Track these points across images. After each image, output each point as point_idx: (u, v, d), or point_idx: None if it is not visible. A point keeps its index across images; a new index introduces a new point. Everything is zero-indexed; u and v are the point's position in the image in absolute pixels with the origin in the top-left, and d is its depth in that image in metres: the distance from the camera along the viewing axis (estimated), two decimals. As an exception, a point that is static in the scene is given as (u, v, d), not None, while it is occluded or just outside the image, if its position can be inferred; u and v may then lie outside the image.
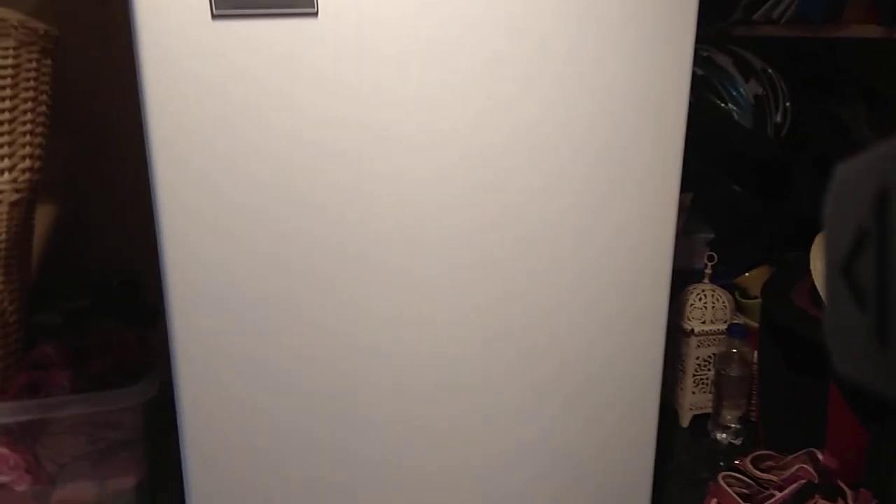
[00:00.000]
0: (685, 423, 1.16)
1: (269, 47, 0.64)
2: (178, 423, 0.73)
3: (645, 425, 0.85)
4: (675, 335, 1.13)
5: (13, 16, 0.81)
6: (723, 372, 1.10)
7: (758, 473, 0.93)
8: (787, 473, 0.91)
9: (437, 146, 0.70)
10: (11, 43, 0.82)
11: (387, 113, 0.68)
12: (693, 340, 1.12)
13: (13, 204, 0.85)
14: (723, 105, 1.18)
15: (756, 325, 1.09)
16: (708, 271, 1.14)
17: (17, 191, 0.86)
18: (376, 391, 0.76)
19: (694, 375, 1.14)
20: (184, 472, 0.74)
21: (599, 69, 0.72)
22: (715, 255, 1.15)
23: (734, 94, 1.19)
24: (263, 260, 0.69)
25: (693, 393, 1.15)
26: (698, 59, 1.15)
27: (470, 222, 0.73)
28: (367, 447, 0.77)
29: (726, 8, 1.21)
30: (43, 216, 1.19)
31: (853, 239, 0.23)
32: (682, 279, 0.80)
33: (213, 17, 0.62)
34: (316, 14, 0.64)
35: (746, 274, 1.19)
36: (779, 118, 1.20)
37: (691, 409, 1.16)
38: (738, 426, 1.11)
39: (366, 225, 0.70)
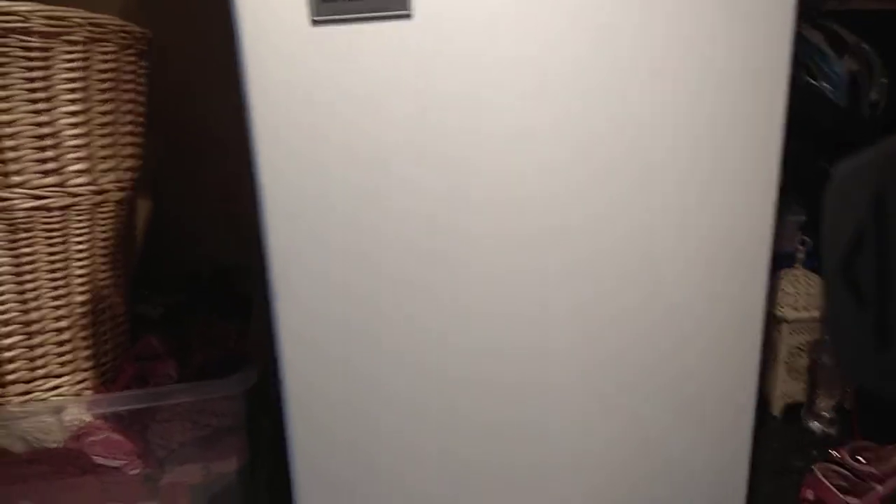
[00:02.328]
0: (777, 411, 1.13)
1: (366, 50, 0.65)
2: (284, 415, 0.76)
3: (741, 416, 0.83)
4: (767, 322, 1.10)
5: (111, 20, 0.84)
6: (817, 360, 1.07)
7: (856, 465, 0.90)
8: (887, 466, 0.89)
9: (533, 144, 0.70)
10: (111, 47, 0.85)
11: (482, 112, 0.68)
12: (785, 328, 1.09)
13: (118, 202, 0.90)
14: (815, 83, 1.14)
15: (852, 311, 1.05)
16: (800, 255, 1.11)
17: (120, 189, 0.90)
18: (470, 389, 0.77)
19: (786, 363, 1.11)
20: (290, 462, 0.77)
21: (696, 52, 0.70)
22: (808, 239, 1.11)
23: (827, 71, 1.14)
24: (361, 260, 0.71)
25: (785, 381, 1.12)
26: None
27: (568, 219, 0.73)
28: (459, 444, 0.78)
29: (818, -20, 1.16)
30: (141, 211, 1.24)
31: (852, 239, 0.23)
32: (773, 264, 0.78)
33: (313, 23, 0.63)
34: (409, 16, 0.64)
35: (841, 258, 1.15)
36: (874, 96, 1.15)
37: (783, 397, 1.13)
38: (832, 415, 1.08)
39: (463, 226, 0.71)
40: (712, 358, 0.81)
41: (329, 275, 0.71)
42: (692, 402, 0.82)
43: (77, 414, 0.82)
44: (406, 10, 0.65)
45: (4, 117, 0.77)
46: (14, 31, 0.75)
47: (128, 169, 0.91)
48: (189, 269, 1.25)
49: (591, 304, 0.76)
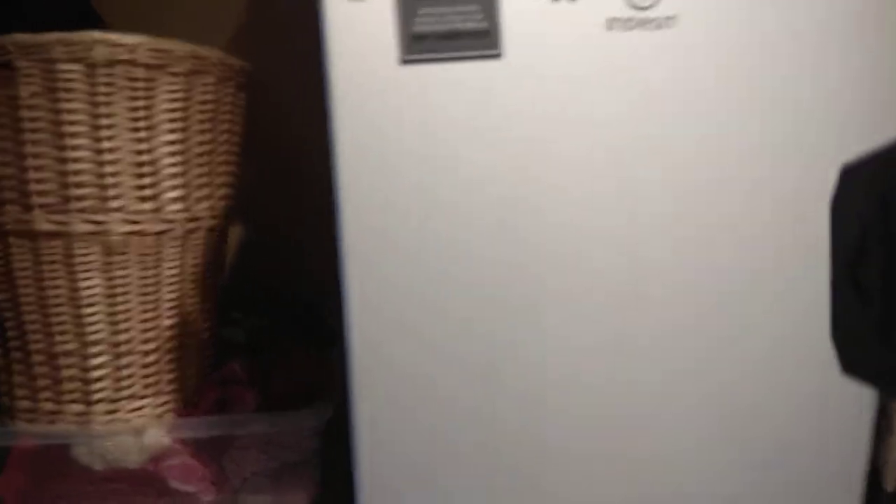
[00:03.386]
0: (890, 486, 1.03)
1: (455, 89, 0.64)
2: (354, 445, 0.74)
3: (850, 490, 0.76)
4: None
5: (213, 53, 0.86)
6: (937, 432, 0.97)
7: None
8: None
9: (623, 201, 0.67)
10: (211, 79, 0.88)
11: (573, 152, 0.66)
12: (900, 394, 1.00)
13: (209, 230, 0.91)
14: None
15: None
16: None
17: (213, 217, 0.92)
18: (561, 420, 0.73)
19: (900, 433, 1.01)
20: (357, 494, 0.75)
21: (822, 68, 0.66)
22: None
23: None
24: (437, 306, 0.69)
25: (899, 452, 1.02)
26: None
27: (659, 283, 0.69)
28: (548, 475, 0.75)
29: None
30: (233, 235, 1.28)
31: (858, 239, 0.23)
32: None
33: (402, 62, 0.62)
34: (499, 56, 0.63)
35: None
36: None
37: (896, 470, 1.03)
38: (953, 495, 0.98)
39: (555, 256, 0.69)
40: (820, 427, 0.74)
41: (404, 318, 0.69)
42: (797, 474, 0.75)
43: (157, 436, 0.84)
44: (496, 49, 0.63)
45: (107, 144, 0.80)
46: (121, 62, 0.78)
47: (221, 198, 0.93)
48: (278, 296, 1.27)
49: (691, 371, 0.71)
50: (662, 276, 0.69)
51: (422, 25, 0.62)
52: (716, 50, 0.65)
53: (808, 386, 0.73)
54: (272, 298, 1.24)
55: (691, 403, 0.73)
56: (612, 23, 0.64)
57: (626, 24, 0.64)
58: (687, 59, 0.65)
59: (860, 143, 0.67)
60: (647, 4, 0.64)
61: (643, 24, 0.64)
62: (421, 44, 0.63)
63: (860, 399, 0.74)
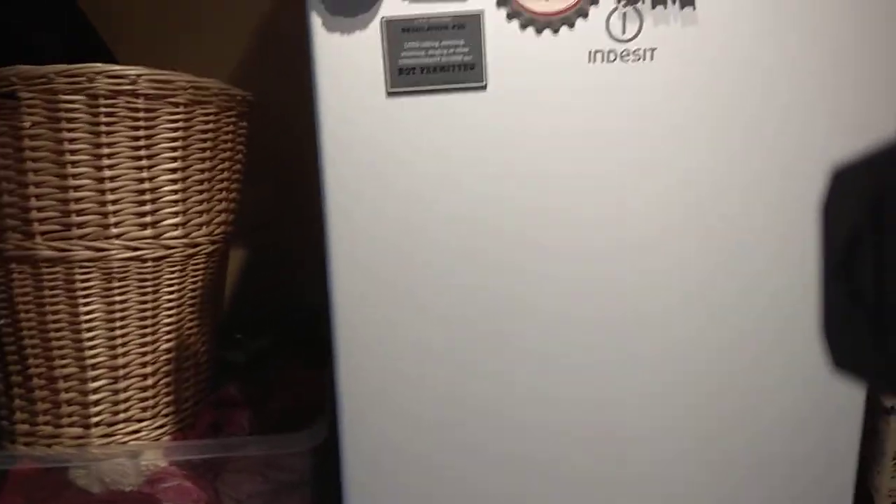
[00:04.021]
0: (884, 511, 1.03)
1: (440, 120, 0.66)
2: (341, 467, 0.75)
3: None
4: (874, 411, 1.01)
5: (214, 84, 0.89)
6: (931, 458, 0.97)
7: (975, 583, 0.80)
8: None
9: (609, 227, 0.69)
10: (212, 109, 0.90)
11: (557, 183, 0.68)
12: (894, 419, 1.00)
13: (209, 255, 0.93)
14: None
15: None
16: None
17: (212, 242, 0.94)
18: (547, 439, 0.74)
19: (895, 459, 1.01)
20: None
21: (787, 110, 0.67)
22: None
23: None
24: (432, 319, 0.70)
25: (893, 477, 1.02)
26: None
27: (650, 303, 0.70)
28: (537, 496, 0.75)
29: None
30: (234, 257, 1.30)
31: (849, 240, 0.23)
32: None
33: (388, 94, 0.64)
34: (485, 87, 0.65)
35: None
36: None
37: (890, 495, 1.03)
38: (950, 521, 0.97)
39: (536, 304, 0.70)
40: (806, 447, 0.75)
41: (395, 329, 0.71)
42: (784, 492, 0.76)
43: (153, 459, 0.85)
44: (481, 81, 0.65)
45: (108, 173, 0.82)
46: (123, 92, 0.81)
47: (221, 223, 0.95)
48: (280, 316, 1.28)
49: (681, 383, 0.72)
50: (644, 298, 0.70)
51: (408, 59, 0.64)
52: (695, 81, 0.66)
53: (794, 408, 0.74)
54: (274, 319, 1.26)
55: (678, 415, 0.73)
56: (595, 55, 0.66)
57: (608, 56, 0.66)
58: (666, 90, 0.66)
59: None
60: (627, 37, 0.66)
61: (624, 56, 0.66)
62: (408, 76, 0.65)
63: (848, 420, 0.75)
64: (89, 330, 0.84)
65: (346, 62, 0.65)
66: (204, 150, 0.90)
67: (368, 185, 0.67)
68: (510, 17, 0.65)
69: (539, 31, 0.65)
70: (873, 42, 0.66)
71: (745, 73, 0.66)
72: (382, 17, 0.64)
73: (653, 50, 0.66)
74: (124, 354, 0.86)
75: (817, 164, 0.68)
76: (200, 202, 0.91)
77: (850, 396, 0.74)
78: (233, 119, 0.95)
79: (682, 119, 0.67)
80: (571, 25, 0.65)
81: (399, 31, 0.64)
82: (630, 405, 0.73)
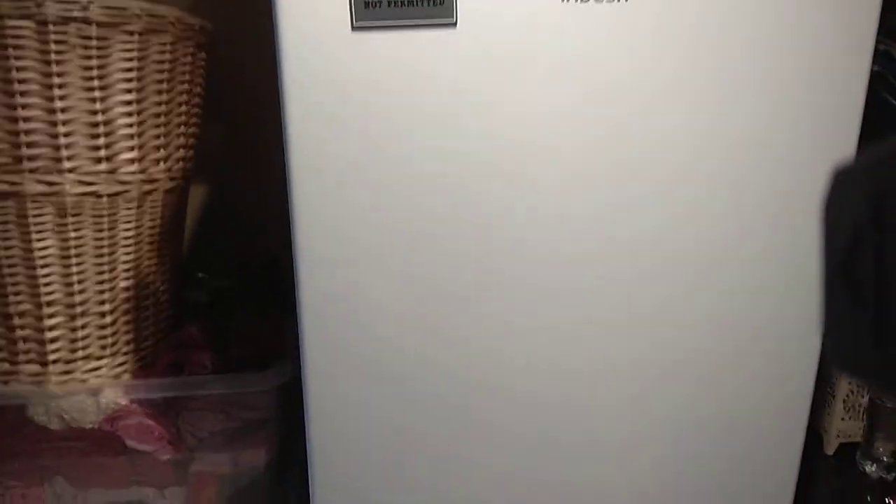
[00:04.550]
0: (830, 450, 1.07)
1: (407, 57, 0.63)
2: (305, 413, 0.75)
3: (789, 453, 0.79)
4: (826, 357, 1.04)
5: (170, 12, 0.85)
6: (878, 401, 1.00)
7: (913, 518, 0.84)
8: (946, 522, 0.82)
9: (579, 157, 0.67)
10: (168, 38, 0.86)
11: (527, 123, 0.66)
12: (845, 363, 1.02)
13: (167, 191, 0.91)
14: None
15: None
16: (868, 288, 1.04)
17: (171, 179, 0.91)
18: (507, 404, 0.75)
19: (844, 401, 1.04)
20: (308, 463, 0.77)
21: (769, 65, 0.66)
22: (878, 271, 1.04)
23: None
24: (395, 269, 0.69)
25: (842, 419, 1.05)
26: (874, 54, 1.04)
27: (615, 237, 0.70)
28: (492, 457, 0.77)
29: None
30: (196, 196, 1.27)
31: (850, 240, 0.23)
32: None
33: (353, 28, 0.62)
34: (455, 24, 0.63)
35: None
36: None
37: (839, 436, 1.06)
38: (891, 460, 1.01)
39: (504, 237, 0.69)
40: (761, 387, 0.77)
41: (358, 280, 0.70)
42: (737, 431, 0.78)
43: (113, 397, 0.84)
44: (451, 18, 0.63)
45: (59, 104, 0.78)
46: (73, 19, 0.77)
47: (179, 159, 0.92)
48: (244, 258, 1.27)
49: (636, 327, 0.73)
50: (624, 265, 0.70)
51: (374, -9, 0.62)
52: (675, 17, 0.64)
53: (749, 354, 0.75)
54: (237, 259, 1.24)
55: (632, 360, 0.74)
56: (567, -7, 0.64)
57: (581, -6, 0.64)
58: (644, 30, 0.64)
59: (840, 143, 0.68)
60: (601, -25, 0.63)
61: (597, -5, 0.64)
62: (374, 10, 0.62)
63: (801, 365, 0.76)
64: (44, 266, 0.82)
65: (309, -6, 0.62)
66: (160, 81, 0.87)
67: (331, 126, 0.65)
68: (481, -51, 0.62)
69: (511, -34, 0.63)
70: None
71: (726, 9, 0.64)
72: (348, -54, 0.61)
73: (627, -11, 0.64)
74: (81, 291, 0.84)
75: (814, 162, 0.68)
76: (157, 136, 0.88)
77: (804, 346, 0.76)
78: (190, 50, 0.92)
79: (660, 60, 0.65)
80: (544, -39, 0.63)
81: (365, -38, 0.61)
82: (609, 402, 0.74)
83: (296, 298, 0.73)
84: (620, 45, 0.65)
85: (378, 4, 0.62)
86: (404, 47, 0.63)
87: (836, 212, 0.25)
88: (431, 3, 0.63)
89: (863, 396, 1.04)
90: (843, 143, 0.69)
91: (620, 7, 0.64)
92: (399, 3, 0.62)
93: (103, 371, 0.87)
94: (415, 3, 0.62)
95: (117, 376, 0.88)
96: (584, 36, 0.64)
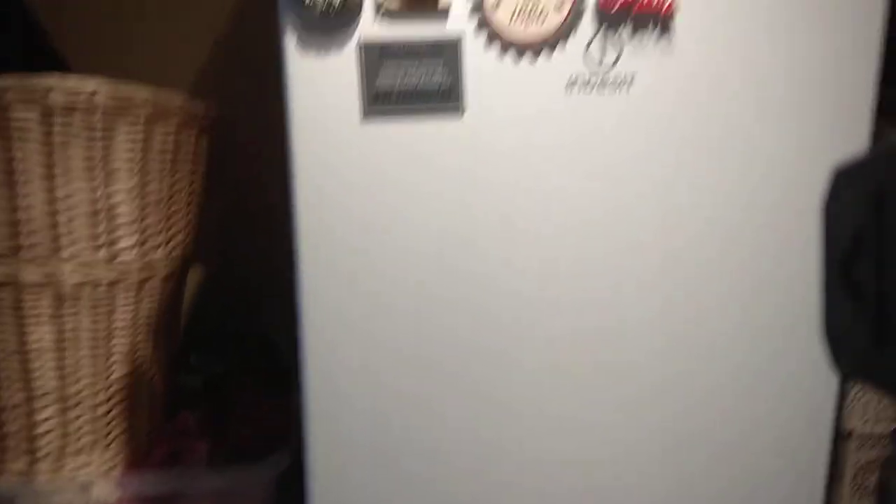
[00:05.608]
0: (842, 534, 1.05)
1: (415, 145, 0.64)
2: (308, 492, 0.73)
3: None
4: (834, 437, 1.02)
5: (175, 98, 0.85)
6: (887, 480, 0.99)
7: None
8: None
9: (580, 245, 0.67)
10: (173, 124, 0.86)
11: (532, 209, 0.66)
12: (852, 443, 1.01)
13: (164, 278, 0.90)
14: None
15: (928, 430, 0.98)
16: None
17: (169, 265, 0.90)
18: (517, 460, 0.73)
19: (852, 482, 1.03)
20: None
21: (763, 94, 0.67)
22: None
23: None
24: (403, 360, 0.68)
25: (850, 501, 1.03)
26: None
27: (620, 318, 0.69)
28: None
29: None
30: (195, 276, 1.25)
31: (851, 240, 0.23)
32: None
33: (363, 120, 0.62)
34: (461, 113, 0.63)
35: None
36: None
37: (849, 518, 1.04)
38: (904, 543, 0.99)
39: (511, 323, 0.69)
40: (775, 470, 0.75)
41: (364, 365, 0.68)
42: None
43: (105, 492, 0.81)
44: (458, 107, 0.64)
45: (61, 191, 0.78)
46: (79, 108, 0.77)
47: (178, 244, 0.91)
48: (238, 337, 1.24)
49: (645, 408, 0.71)
50: (622, 337, 0.70)
51: (385, 80, 0.63)
52: (673, 108, 0.66)
53: (754, 429, 0.74)
54: (228, 342, 1.22)
55: (643, 438, 0.73)
56: (573, 82, 0.65)
57: (586, 83, 0.65)
58: (645, 119, 0.66)
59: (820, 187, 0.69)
60: (606, 65, 0.65)
61: (602, 83, 0.65)
62: (383, 101, 0.63)
63: (815, 443, 0.75)
64: (38, 356, 0.80)
65: (321, 86, 0.62)
66: (163, 167, 0.87)
67: (340, 210, 0.65)
68: (489, 42, 0.64)
69: (518, 57, 0.64)
70: (846, 62, 0.66)
71: (723, 98, 0.66)
72: (359, 40, 0.62)
73: (632, 76, 0.65)
74: (75, 382, 0.82)
75: (811, 187, 0.69)
76: (158, 222, 0.87)
77: (817, 428, 0.75)
78: (194, 134, 0.92)
79: (661, 147, 0.66)
80: (550, 52, 0.64)
81: (376, 56, 0.62)
82: (609, 409, 0.72)
83: (298, 378, 0.72)
84: (625, 132, 0.66)
85: (388, 95, 0.63)
86: (412, 136, 0.64)
87: (836, 212, 0.25)
88: (439, 92, 0.64)
89: (872, 476, 1.02)
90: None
91: (623, 94, 0.65)
92: (408, 94, 0.63)
93: (94, 466, 0.84)
94: (423, 93, 0.63)
95: (109, 470, 0.85)
96: (589, 124, 0.65)
